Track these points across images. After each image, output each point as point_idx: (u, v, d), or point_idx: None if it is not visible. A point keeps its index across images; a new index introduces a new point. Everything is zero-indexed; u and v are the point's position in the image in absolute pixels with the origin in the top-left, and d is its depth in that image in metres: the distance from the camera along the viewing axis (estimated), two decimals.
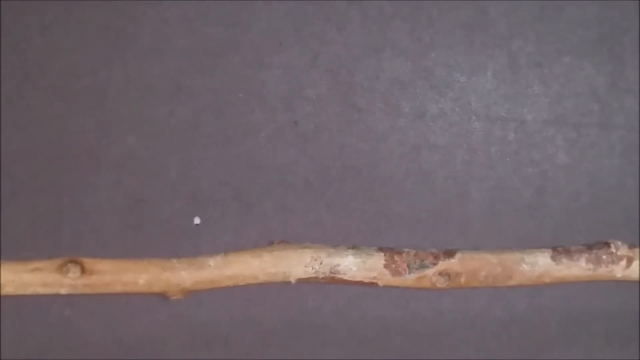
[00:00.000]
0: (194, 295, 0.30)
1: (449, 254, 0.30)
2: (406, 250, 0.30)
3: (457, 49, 0.58)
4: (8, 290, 0.27)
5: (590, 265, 0.29)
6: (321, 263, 0.29)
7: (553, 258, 0.30)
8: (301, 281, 0.29)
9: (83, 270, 0.27)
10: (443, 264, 0.29)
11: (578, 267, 0.29)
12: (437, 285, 0.29)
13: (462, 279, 0.29)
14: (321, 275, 0.29)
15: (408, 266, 0.29)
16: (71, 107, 0.57)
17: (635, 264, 0.30)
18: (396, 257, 0.29)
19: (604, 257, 0.30)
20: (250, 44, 0.58)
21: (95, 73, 0.57)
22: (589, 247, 0.30)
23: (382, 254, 0.29)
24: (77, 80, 0.57)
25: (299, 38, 0.58)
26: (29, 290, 0.27)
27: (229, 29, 0.58)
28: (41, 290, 0.27)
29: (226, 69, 0.58)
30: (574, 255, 0.30)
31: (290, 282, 0.29)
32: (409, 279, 0.29)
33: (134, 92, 0.57)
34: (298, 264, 0.29)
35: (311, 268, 0.28)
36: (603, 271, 0.30)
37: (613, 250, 0.30)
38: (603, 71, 0.57)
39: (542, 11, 0.57)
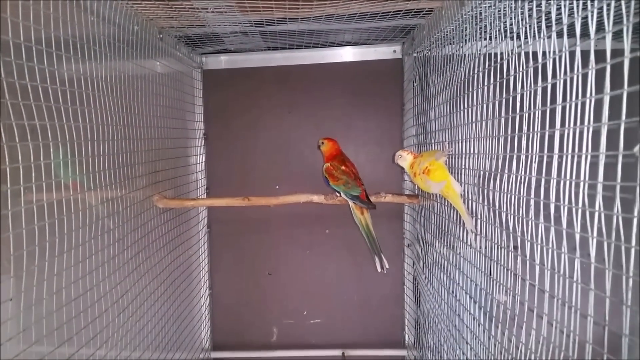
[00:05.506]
0: None
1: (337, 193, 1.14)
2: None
3: None
4: None
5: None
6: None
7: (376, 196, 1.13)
8: None
9: None
10: (332, 197, 1.13)
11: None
12: (329, 202, 1.14)
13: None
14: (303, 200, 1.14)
15: (325, 198, 1.13)
16: None
17: (389, 197, 1.13)
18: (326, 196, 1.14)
19: (380, 194, 1.13)
20: None
21: None
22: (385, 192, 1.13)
23: (323, 195, 1.14)
24: None
25: None
26: None
27: None
28: None
29: None
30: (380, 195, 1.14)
31: None
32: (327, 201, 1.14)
33: None
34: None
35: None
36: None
37: (382, 194, 1.13)
38: None
39: None
